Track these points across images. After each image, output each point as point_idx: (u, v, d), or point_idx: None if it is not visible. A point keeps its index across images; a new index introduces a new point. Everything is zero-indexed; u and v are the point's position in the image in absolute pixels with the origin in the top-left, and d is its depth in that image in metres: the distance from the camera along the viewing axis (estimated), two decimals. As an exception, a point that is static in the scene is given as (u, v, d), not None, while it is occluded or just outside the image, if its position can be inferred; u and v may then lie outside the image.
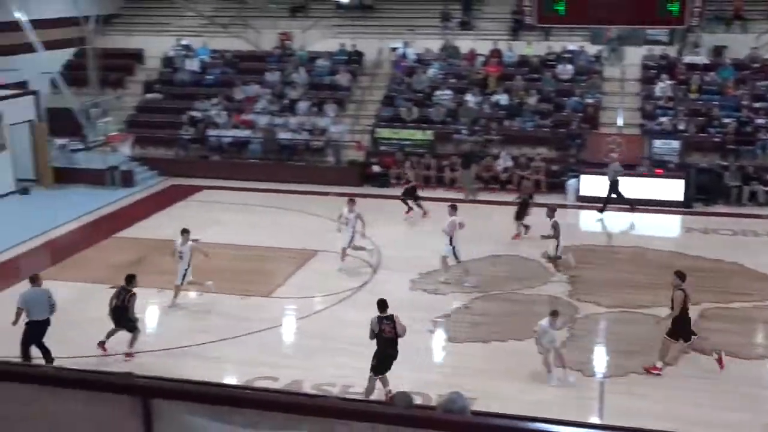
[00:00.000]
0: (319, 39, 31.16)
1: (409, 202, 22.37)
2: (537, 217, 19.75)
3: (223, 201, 24.24)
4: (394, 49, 29.87)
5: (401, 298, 16.86)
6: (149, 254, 19.52)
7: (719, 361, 13.36)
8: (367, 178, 26.13)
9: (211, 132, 27.82)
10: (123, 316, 14.27)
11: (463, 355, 14.52)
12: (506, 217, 21.45)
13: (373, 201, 24.36)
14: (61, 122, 27.75)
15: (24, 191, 25.14)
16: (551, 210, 18.23)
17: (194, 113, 28.53)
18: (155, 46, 31.91)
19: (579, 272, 17.87)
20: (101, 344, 14.44)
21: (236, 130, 27.82)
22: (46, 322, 13.56)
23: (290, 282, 17.80)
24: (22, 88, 28.30)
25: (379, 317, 12.57)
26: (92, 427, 3.74)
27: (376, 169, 26.16)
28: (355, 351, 14.42)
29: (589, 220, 22.70)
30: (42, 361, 13.35)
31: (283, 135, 27.33)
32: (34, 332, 13.52)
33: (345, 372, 13.66)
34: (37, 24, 26.38)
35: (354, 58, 30.21)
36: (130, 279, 14.40)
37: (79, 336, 14.91)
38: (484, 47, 29.29)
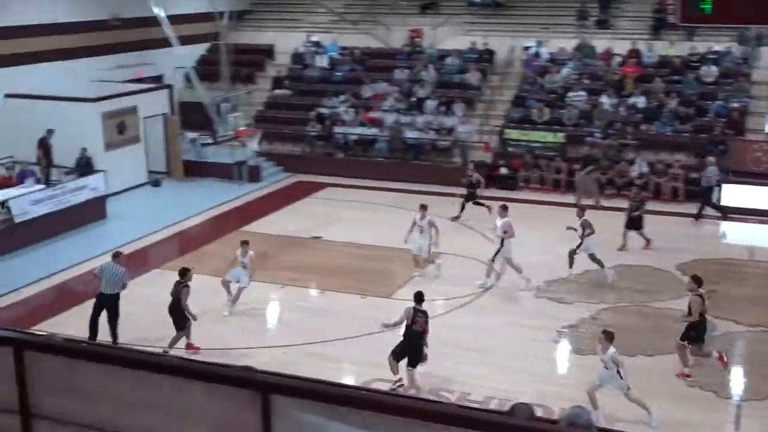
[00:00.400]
0: (450, 37, 31.15)
1: (467, 205, 21.95)
2: (652, 227, 19.24)
3: (347, 199, 24.58)
4: (526, 48, 29.53)
5: (525, 306, 16.67)
6: (273, 249, 20.01)
7: (720, 359, 13.65)
8: (493, 180, 25.94)
9: (338, 129, 28.26)
10: (176, 309, 14.29)
11: (588, 368, 14.19)
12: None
13: (499, 204, 24.15)
14: (192, 116, 28.83)
15: (155, 183, 26.23)
16: (581, 209, 18.13)
17: (322, 110, 29.05)
18: (285, 42, 32.66)
19: (716, 287, 17.19)
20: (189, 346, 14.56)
21: (363, 127, 28.15)
22: (112, 297, 14.72)
23: (412, 283, 17.84)
24: (157, 82, 29.57)
25: (414, 309, 12.97)
26: (210, 419, 3.85)
27: (503, 171, 25.94)
28: (474, 357, 14.36)
29: (729, 232, 21.81)
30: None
31: (409, 134, 27.46)
32: (98, 304, 14.73)
33: (463, 378, 13.61)
34: (173, 19, 27.46)
35: (484, 57, 30.04)
36: (184, 272, 14.46)
37: (195, 328, 15.42)
38: (621, 47, 28.58)
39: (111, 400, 4.16)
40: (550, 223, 21.84)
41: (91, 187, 22.08)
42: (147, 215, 22.94)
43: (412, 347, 12.98)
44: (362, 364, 14.22)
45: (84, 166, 23.05)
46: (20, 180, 21.53)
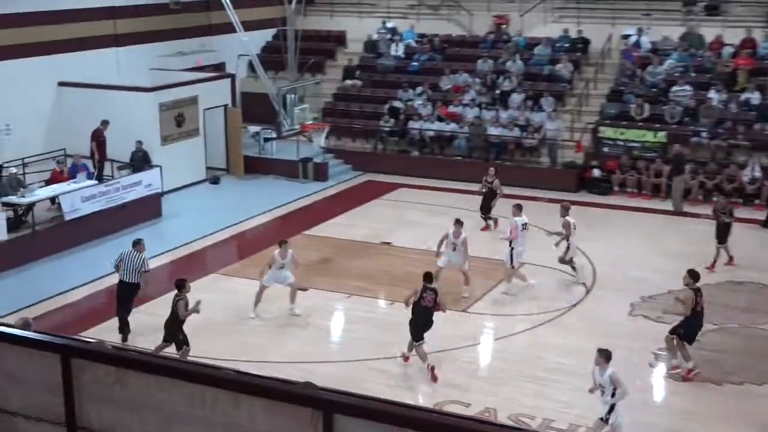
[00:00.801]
0: (539, 23, 30.95)
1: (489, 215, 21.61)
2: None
3: (422, 201, 24.60)
4: (625, 37, 29.14)
5: (618, 324, 16.46)
6: (338, 255, 20.14)
7: (687, 374, 14.32)
8: (585, 183, 25.65)
9: (413, 124, 28.32)
10: (172, 325, 14.35)
11: (689, 396, 13.94)
12: (748, 238, 20.42)
13: (591, 210, 23.92)
14: (255, 108, 29.23)
15: (214, 180, 26.67)
16: (564, 208, 18.45)
17: (396, 103, 29.15)
18: (358, 28, 32.90)
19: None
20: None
21: (441, 123, 28.14)
22: (131, 286, 15.83)
23: (490, 296, 17.79)
24: (219, 70, 30.04)
25: (424, 286, 14.48)
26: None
27: (596, 173, 25.65)
28: (558, 380, 14.23)
29: None
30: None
31: (492, 131, 27.36)
32: (121, 292, 15.94)
33: (545, 403, 13.50)
34: (237, 3, 27.88)
35: (578, 46, 29.75)
36: (182, 284, 14.51)
37: (253, 338, 15.62)
38: (733, 36, 27.98)
39: (163, 415, 4.25)
40: (647, 233, 21.53)
41: (146, 183, 22.58)
42: (205, 215, 23.35)
43: (424, 323, 14.45)
44: (434, 383, 14.20)
45: (139, 161, 23.59)
46: (72, 174, 22.09)
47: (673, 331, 14.59)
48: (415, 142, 28.33)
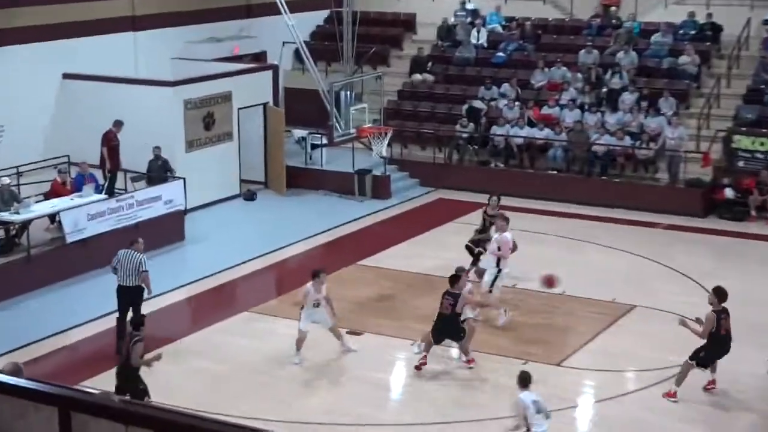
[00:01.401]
0: (659, 5, 30.72)
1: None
2: None
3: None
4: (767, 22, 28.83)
5: (755, 387, 16.14)
6: (401, 291, 20.06)
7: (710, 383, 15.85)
8: (715, 205, 25.28)
9: (498, 130, 28.23)
10: (128, 372, 14.31)
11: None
12: None
13: (721, 239, 23.56)
14: (301, 108, 29.38)
15: (250, 196, 26.85)
16: (504, 220, 19.24)
17: (476, 103, 29.08)
18: (431, 10, 32.98)
19: None
20: None
21: (532, 128, 28.02)
22: (133, 290, 17.03)
23: (591, 347, 17.59)
24: (258, 61, 30.30)
25: (446, 291, 16.42)
26: None
27: (728, 193, 25.30)
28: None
29: None
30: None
31: (597, 138, 27.15)
32: (122, 300, 17.13)
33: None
34: (282, -21, 28.18)
35: (707, 34, 29.43)
36: (138, 322, 14.67)
37: (291, 391, 15.62)
38: None
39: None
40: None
41: (166, 198, 22.79)
42: (237, 239, 23.48)
43: (445, 329, 16.42)
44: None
45: (158, 172, 23.85)
46: (76, 187, 22.38)
47: (692, 357, 15.58)
48: (499, 151, 28.21)
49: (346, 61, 29.78)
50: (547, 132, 27.73)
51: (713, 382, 15.95)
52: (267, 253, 22.50)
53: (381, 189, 27.24)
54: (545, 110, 28.34)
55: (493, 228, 19.62)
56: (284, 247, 23.09)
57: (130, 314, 16.82)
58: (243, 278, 21.29)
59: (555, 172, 27.37)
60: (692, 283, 20.43)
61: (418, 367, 16.57)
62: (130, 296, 17.13)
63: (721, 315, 15.42)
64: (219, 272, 21.32)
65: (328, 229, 24.45)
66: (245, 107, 26.98)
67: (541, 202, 26.13)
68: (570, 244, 22.47)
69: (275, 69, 28.52)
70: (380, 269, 21.50)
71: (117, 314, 17.38)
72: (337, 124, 26.95)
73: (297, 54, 30.68)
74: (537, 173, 27.50)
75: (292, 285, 20.66)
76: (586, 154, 27.22)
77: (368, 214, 25.80)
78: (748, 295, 20.00)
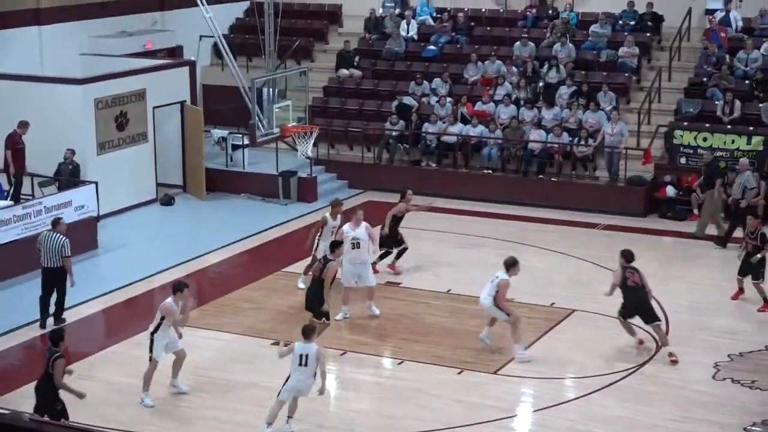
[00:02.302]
0: (595, -6, 31.18)
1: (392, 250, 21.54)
2: None
3: (438, 228, 24.64)
4: (710, 12, 29.30)
5: (700, 391, 16.48)
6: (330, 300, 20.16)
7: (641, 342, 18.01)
8: (656, 204, 25.69)
9: (429, 127, 28.42)
10: (47, 390, 14.12)
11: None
12: None
13: (663, 240, 24.01)
14: (221, 106, 29.35)
15: (167, 201, 26.80)
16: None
17: (406, 99, 29.28)
18: (358, 1, 33.14)
19: None
20: None
21: (464, 125, 28.23)
22: (56, 271, 18.50)
23: (529, 354, 17.80)
24: (174, 56, 30.20)
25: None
26: None
27: (670, 191, 25.70)
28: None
29: None
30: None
31: (533, 135, 27.44)
32: (44, 279, 18.58)
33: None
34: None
35: (647, 25, 29.88)
36: (57, 337, 14.47)
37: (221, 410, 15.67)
38: None
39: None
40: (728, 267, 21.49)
41: (77, 204, 22.67)
42: (154, 247, 23.47)
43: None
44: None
45: (68, 176, 23.72)
46: (-21, 193, 22.26)
47: (618, 313, 17.91)
48: (430, 150, 28.45)
49: (268, 55, 29.72)
50: (481, 129, 27.96)
51: (641, 341, 17.98)
52: (186, 261, 22.47)
53: (307, 192, 27.32)
54: (479, 106, 28.59)
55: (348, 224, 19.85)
56: (204, 254, 23.07)
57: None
58: (161, 288, 21.18)
59: (490, 171, 27.65)
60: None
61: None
62: (52, 277, 18.60)
63: (627, 270, 17.67)
64: (135, 282, 21.26)
65: (251, 235, 24.48)
66: (161, 106, 26.94)
67: (476, 203, 26.35)
68: (506, 247, 22.63)
69: (192, 65, 28.46)
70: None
71: (41, 295, 18.82)
72: (259, 123, 26.88)
73: (215, 48, 30.67)
74: (471, 173, 27.75)
75: (213, 295, 20.71)
76: (522, 152, 27.52)
77: (293, 219, 25.83)
78: (692, 297, 20.46)
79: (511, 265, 17.44)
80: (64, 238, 18.48)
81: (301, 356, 14.49)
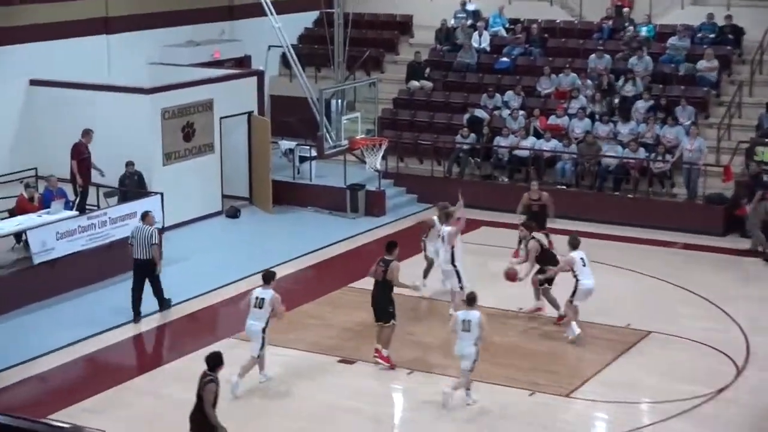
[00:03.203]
0: (675, 5, 30.83)
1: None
2: None
3: (509, 245, 24.43)
4: (792, 25, 28.97)
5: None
6: (400, 318, 20.05)
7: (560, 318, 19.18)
8: (736, 223, 25.33)
9: (501, 141, 28.28)
10: (200, 417, 13.55)
11: None
12: None
13: (744, 261, 23.67)
14: (289, 117, 29.39)
15: (233, 213, 26.87)
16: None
17: (478, 112, 29.15)
18: (429, 12, 33.11)
19: None
20: None
21: (538, 139, 28.06)
22: (147, 263, 19.75)
23: (603, 377, 17.60)
24: (242, 66, 30.30)
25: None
26: None
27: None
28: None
29: None
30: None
31: (608, 150, 27.19)
32: (135, 272, 19.88)
33: None
34: (267, -22, 28.22)
35: (728, 38, 29.53)
36: (214, 362, 13.80)
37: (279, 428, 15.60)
38: None
39: None
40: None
41: (142, 216, 22.78)
42: (219, 259, 23.53)
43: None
44: None
45: (133, 187, 23.81)
46: (45, 203, 22.36)
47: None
48: (502, 164, 28.30)
49: (337, 66, 29.81)
50: (554, 143, 27.79)
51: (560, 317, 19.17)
52: (251, 275, 22.44)
53: (375, 205, 27.27)
54: (552, 120, 28.42)
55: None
56: (270, 268, 23.00)
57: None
58: (225, 302, 21.26)
59: (563, 186, 27.42)
60: (712, 308, 20.49)
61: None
62: (144, 270, 19.85)
63: (540, 241, 19.77)
64: (200, 295, 21.34)
65: (318, 249, 24.50)
66: (228, 116, 27.04)
67: (549, 219, 26.14)
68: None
69: (260, 75, 28.57)
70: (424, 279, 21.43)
71: (133, 287, 19.99)
72: (327, 135, 26.95)
73: (284, 59, 30.73)
74: (545, 189, 27.50)
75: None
76: (597, 167, 27.27)
77: (361, 233, 25.80)
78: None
79: None
80: (153, 228, 19.84)
81: (464, 321, 16.23)
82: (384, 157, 27.58)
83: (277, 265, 23.13)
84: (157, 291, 20.28)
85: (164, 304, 20.43)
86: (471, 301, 16.54)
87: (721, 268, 22.45)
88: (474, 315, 16.26)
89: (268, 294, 16.81)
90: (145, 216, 20.08)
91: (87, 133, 23.77)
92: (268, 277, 17.11)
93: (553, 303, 19.46)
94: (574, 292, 18.73)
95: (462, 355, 16.32)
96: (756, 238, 24.02)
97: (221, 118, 26.81)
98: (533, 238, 19.96)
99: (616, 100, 28.62)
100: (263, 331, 16.77)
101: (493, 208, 26.68)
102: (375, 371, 17.72)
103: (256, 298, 16.85)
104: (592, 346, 18.69)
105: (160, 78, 26.57)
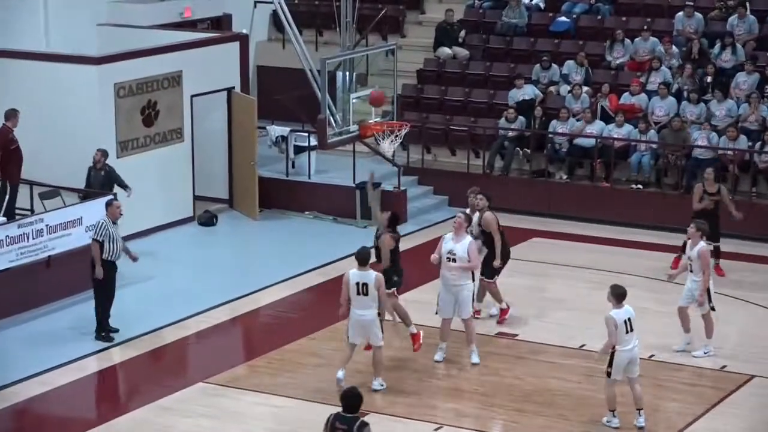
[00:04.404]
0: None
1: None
2: None
3: (570, 263, 24.45)
4: None
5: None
6: (417, 354, 20.07)
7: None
8: None
9: (559, 126, 28.26)
10: None
11: None
12: None
13: None
14: (279, 95, 29.42)
15: (207, 220, 26.96)
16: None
17: (527, 89, 29.16)
18: (464, -41, 33.17)
19: None
20: None
21: (606, 123, 28.04)
22: (115, 266, 20.75)
23: (699, 428, 17.62)
24: (219, 29, 30.33)
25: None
26: None
27: None
28: None
29: None
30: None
31: (699, 139, 27.15)
32: (108, 280, 20.58)
33: None
34: None
35: None
36: (354, 402, 13.54)
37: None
38: None
39: None
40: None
41: (88, 223, 22.66)
42: (189, 280, 23.61)
43: None
44: None
45: (101, 185, 23.57)
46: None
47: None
48: (559, 157, 28.32)
49: (345, 28, 29.81)
50: (628, 129, 27.77)
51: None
52: (231, 301, 22.56)
53: (393, 210, 27.26)
54: (626, 99, 28.44)
55: None
56: (255, 292, 23.14)
57: None
58: (198, 336, 21.30)
59: (640, 186, 27.43)
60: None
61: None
62: (113, 273, 20.78)
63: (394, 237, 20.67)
64: (163, 327, 21.37)
65: (318, 267, 24.56)
66: (201, 94, 27.14)
67: (621, 228, 26.15)
68: (661, 289, 22.44)
69: (244, 40, 28.62)
70: (387, 321, 21.45)
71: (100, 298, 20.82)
72: (331, 119, 26.91)
73: (275, 19, 30.80)
74: (615, 188, 27.57)
75: (265, 347, 20.68)
76: (685, 160, 27.25)
77: (374, 246, 25.79)
78: None
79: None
80: (101, 219, 20.49)
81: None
82: (405, 147, 27.56)
83: (265, 287, 23.25)
84: (100, 311, 20.64)
85: (106, 331, 20.69)
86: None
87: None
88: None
89: (370, 276, 17.91)
90: (109, 206, 20.60)
91: (12, 115, 23.40)
92: (364, 256, 18.18)
93: None
94: (610, 363, 18.15)
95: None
96: None
97: (193, 96, 26.89)
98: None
99: (710, 73, 28.57)
100: (379, 316, 18.17)
101: (546, 213, 26.70)
102: (392, 424, 17.71)
103: (357, 283, 17.83)
104: (677, 394, 18.67)
105: (113, 44, 26.62)
